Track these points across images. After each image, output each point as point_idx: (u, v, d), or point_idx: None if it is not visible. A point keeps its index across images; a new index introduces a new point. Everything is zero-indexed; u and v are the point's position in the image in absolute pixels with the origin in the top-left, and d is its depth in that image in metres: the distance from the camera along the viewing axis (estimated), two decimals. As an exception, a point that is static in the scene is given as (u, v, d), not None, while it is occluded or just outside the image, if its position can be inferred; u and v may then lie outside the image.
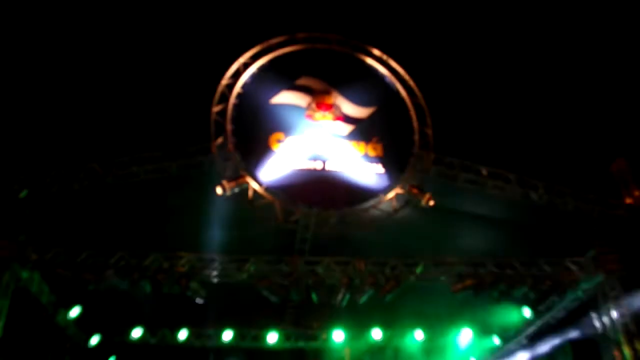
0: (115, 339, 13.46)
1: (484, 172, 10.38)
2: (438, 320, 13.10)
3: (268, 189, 9.88)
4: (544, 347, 11.95)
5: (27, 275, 9.61)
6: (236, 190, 9.69)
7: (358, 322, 13.10)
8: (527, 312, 12.47)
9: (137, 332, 13.20)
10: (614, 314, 10.18)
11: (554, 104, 11.81)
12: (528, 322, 12.73)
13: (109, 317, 12.72)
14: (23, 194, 9.17)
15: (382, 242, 10.39)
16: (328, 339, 13.70)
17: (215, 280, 9.98)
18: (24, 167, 9.46)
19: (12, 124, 10.17)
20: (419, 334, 13.49)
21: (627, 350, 9.85)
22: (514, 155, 10.80)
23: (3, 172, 9.27)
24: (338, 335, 13.33)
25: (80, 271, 9.40)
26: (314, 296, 10.24)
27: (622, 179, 10.59)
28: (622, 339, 9.95)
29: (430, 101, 10.90)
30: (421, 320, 13.20)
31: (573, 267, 10.57)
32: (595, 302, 10.60)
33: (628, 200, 10.40)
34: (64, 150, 10.03)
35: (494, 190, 10.36)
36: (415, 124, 10.72)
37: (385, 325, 13.45)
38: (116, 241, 9.78)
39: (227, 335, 13.38)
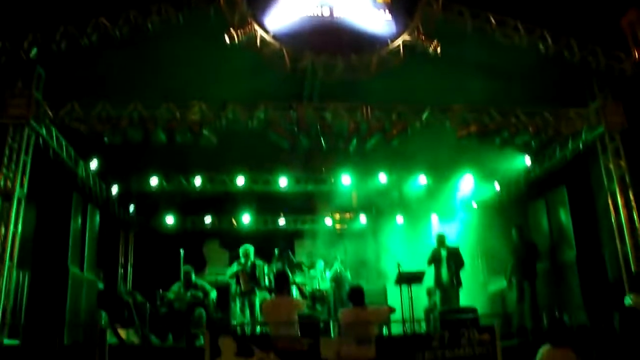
0: (133, 188, 14.18)
1: (493, 20, 10.23)
2: (442, 166, 13.59)
3: (275, 36, 9.86)
4: (542, 193, 12.40)
5: (44, 131, 9.97)
6: (244, 38, 9.68)
7: (365, 167, 13.63)
8: (527, 160, 12.91)
9: (154, 180, 13.87)
10: (612, 164, 10.57)
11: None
12: (528, 170, 13.23)
13: (126, 167, 13.31)
14: (33, 52, 9.23)
15: (388, 89, 10.52)
16: (336, 182, 14.34)
17: (226, 127, 10.32)
18: (31, 25, 9.42)
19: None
20: (422, 179, 14.07)
21: (620, 199, 10.36)
22: (522, 3, 10.54)
23: (12, 31, 9.27)
24: (346, 179, 13.95)
25: (95, 124, 9.75)
26: (322, 141, 10.64)
27: (632, 31, 10.41)
28: (617, 188, 10.42)
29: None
30: (425, 165, 13.70)
31: (575, 118, 10.81)
32: (594, 153, 10.93)
33: (636, 55, 10.32)
34: (70, 6, 9.87)
35: (501, 39, 10.25)
36: (424, -32, 10.41)
37: (391, 170, 13.99)
38: (128, 95, 10.01)
39: (240, 180, 14.05)
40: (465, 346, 7.20)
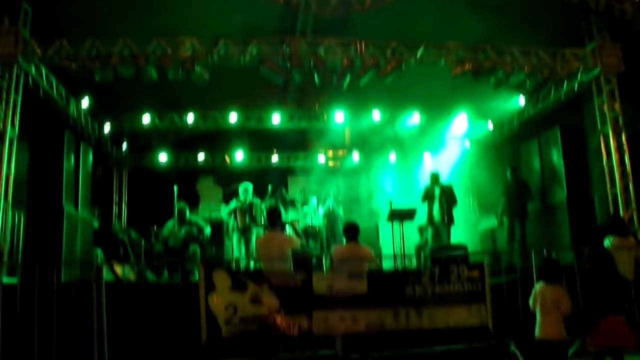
0: (126, 125, 14.09)
1: (491, -45, 9.95)
2: (435, 103, 13.52)
3: (268, -31, 9.60)
4: (535, 133, 12.39)
5: (33, 69, 9.80)
6: (236, -29, 9.43)
7: (358, 104, 13.54)
8: (522, 100, 12.85)
9: (146, 118, 13.77)
10: (606, 107, 10.52)
11: None
12: (522, 110, 13.18)
13: (118, 105, 13.17)
14: None
15: (383, 25, 10.32)
16: (329, 119, 14.28)
17: (218, 63, 10.15)
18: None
19: None
20: (416, 116, 14.01)
21: (613, 142, 10.39)
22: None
23: None
24: (339, 116, 13.88)
25: (85, 62, 9.55)
26: (315, 78, 10.54)
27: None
28: (610, 130, 10.44)
29: None
30: (419, 102, 13.62)
31: (571, 58, 10.68)
32: (589, 95, 10.86)
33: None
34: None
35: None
36: None
37: (385, 107, 13.91)
38: (118, 31, 9.78)
39: (233, 117, 13.97)
40: (455, 282, 7.36)
